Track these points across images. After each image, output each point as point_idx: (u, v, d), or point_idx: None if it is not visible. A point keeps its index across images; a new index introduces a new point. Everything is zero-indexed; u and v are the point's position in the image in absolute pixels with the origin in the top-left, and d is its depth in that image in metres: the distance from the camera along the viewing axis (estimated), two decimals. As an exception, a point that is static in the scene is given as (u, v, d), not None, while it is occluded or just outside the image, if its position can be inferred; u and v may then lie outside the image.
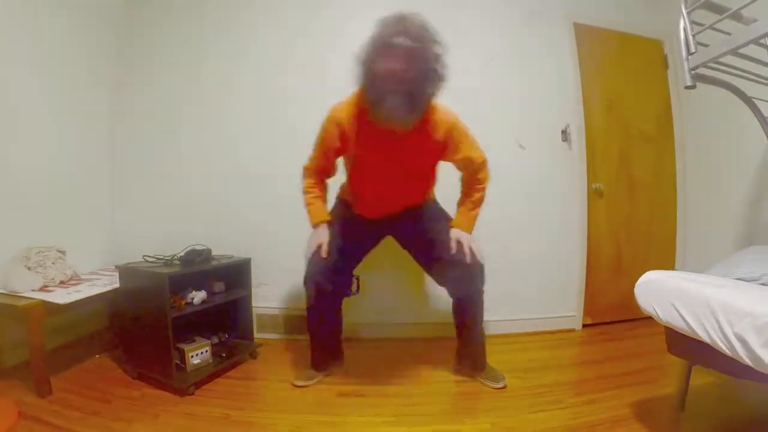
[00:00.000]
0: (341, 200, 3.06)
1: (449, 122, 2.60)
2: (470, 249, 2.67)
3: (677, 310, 2.01)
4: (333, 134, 2.62)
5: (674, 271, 2.32)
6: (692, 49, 2.14)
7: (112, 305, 3.46)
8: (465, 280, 2.72)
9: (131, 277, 3.02)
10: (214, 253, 3.35)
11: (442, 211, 2.98)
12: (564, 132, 4.04)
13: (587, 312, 4.12)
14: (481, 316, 2.89)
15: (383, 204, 2.87)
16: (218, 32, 4.05)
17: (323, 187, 2.91)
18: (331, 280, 2.78)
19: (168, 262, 3.10)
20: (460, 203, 2.85)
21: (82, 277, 3.36)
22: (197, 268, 3.10)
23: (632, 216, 4.27)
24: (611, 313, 4.21)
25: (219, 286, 3.34)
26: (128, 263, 3.14)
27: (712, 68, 2.22)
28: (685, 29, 2.16)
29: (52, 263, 3.14)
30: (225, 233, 3.82)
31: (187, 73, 4.07)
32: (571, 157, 4.06)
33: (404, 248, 3.05)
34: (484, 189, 2.81)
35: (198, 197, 4.00)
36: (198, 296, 3.06)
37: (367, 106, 2.40)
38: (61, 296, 2.80)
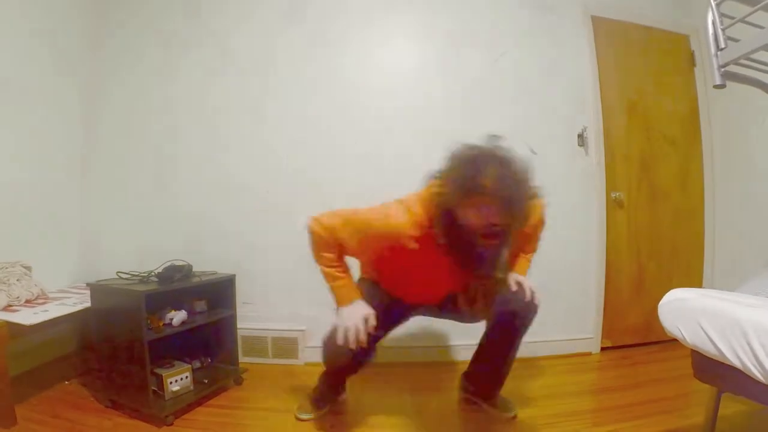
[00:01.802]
0: (366, 280, 2.82)
1: (534, 225, 2.59)
2: (531, 289, 2.64)
3: (705, 332, 1.97)
4: (384, 245, 2.41)
5: (702, 289, 2.30)
6: (722, 45, 2.13)
7: (83, 326, 3.45)
8: (522, 313, 2.66)
9: (104, 296, 3.01)
10: (195, 269, 3.35)
11: None
12: (580, 136, 4.06)
13: (606, 334, 4.12)
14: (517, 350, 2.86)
15: (434, 290, 2.73)
16: (200, 29, 4.09)
17: (346, 265, 2.64)
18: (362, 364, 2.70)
19: (144, 279, 3.09)
20: (514, 248, 2.71)
21: (50, 295, 3.35)
22: (177, 285, 3.09)
23: (655, 228, 4.27)
24: (632, 335, 4.20)
25: (200, 306, 3.34)
26: (100, 280, 3.13)
27: (744, 65, 2.21)
28: (713, 23, 2.15)
29: (17, 280, 3.13)
30: (207, 247, 3.83)
31: (167, 72, 4.10)
32: (588, 164, 4.08)
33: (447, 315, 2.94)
34: (540, 233, 2.85)
35: (178, 208, 4.01)
36: (177, 317, 3.06)
37: (440, 239, 2.25)
38: (26, 316, 2.79)
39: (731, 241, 4.15)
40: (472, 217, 2.05)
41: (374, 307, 2.51)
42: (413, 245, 2.31)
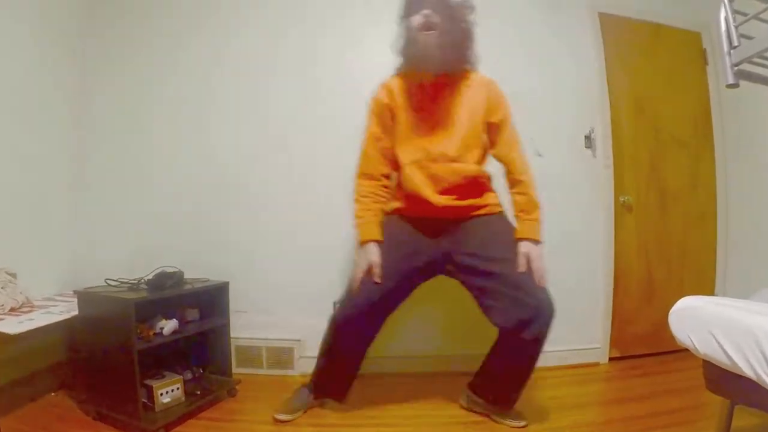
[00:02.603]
0: (390, 215, 3.03)
1: (487, 80, 3.00)
2: (540, 271, 2.71)
3: (717, 341, 1.95)
4: (381, 110, 2.97)
5: (714, 297, 2.31)
6: (735, 42, 2.12)
7: (70, 336, 3.42)
8: (534, 320, 2.64)
9: (92, 304, 3.01)
10: (187, 275, 3.35)
11: (512, 228, 2.93)
12: (587, 137, 4.07)
13: (614, 343, 4.13)
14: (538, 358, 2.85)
15: (436, 181, 2.83)
16: (192, 28, 4.10)
17: (380, 193, 2.98)
18: (370, 324, 2.90)
19: (134, 287, 3.09)
20: (517, 209, 2.91)
21: (36, 303, 3.35)
22: (167, 293, 3.09)
23: (665, 233, 4.28)
24: (641, 344, 4.20)
25: (192, 314, 3.35)
26: (88, 288, 3.13)
27: (758, 64, 2.20)
28: (726, 19, 2.15)
29: (1, 288, 3.13)
30: (199, 253, 3.82)
31: (159, 73, 4.10)
32: (595, 166, 4.09)
33: (462, 281, 2.98)
34: (531, 187, 2.91)
35: (169, 212, 4.00)
36: (168, 325, 3.06)
37: (407, 65, 2.89)
38: (11, 325, 2.78)
39: (745, 247, 4.16)
40: (414, 19, 2.75)
41: (398, 237, 2.88)
42: (397, 94, 2.95)
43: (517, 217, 2.88)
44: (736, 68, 2.15)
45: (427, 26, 2.70)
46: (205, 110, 4.05)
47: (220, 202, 3.96)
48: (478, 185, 2.91)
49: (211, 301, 3.46)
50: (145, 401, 2.90)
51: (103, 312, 2.95)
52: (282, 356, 3.81)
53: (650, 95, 4.26)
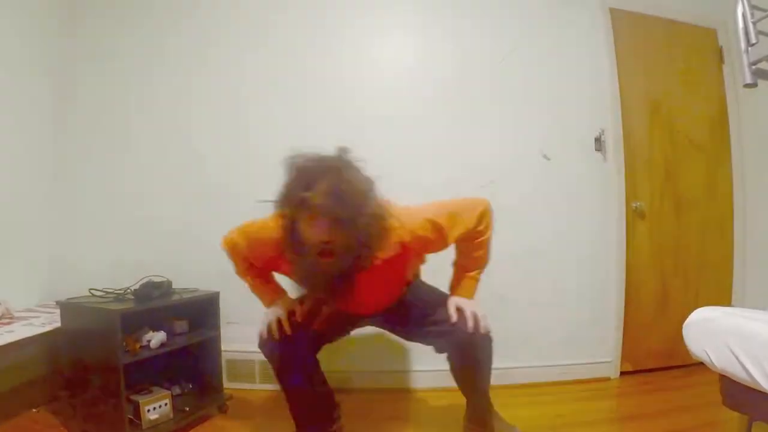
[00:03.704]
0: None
1: (409, 230, 2.44)
2: (474, 315, 2.56)
3: (735, 355, 1.95)
4: (270, 254, 2.56)
5: (731, 308, 2.29)
6: (753, 40, 2.12)
7: (53, 349, 3.44)
8: (468, 348, 2.61)
9: (75, 315, 3.03)
10: (175, 285, 3.36)
11: (431, 288, 2.91)
12: (598, 140, 4.07)
13: (626, 357, 4.12)
14: (487, 382, 2.80)
15: (354, 307, 2.74)
16: (178, 28, 4.13)
17: (269, 273, 2.90)
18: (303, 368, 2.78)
19: (119, 297, 3.10)
20: (456, 264, 2.77)
21: (16, 314, 3.37)
22: (155, 303, 3.10)
23: (680, 241, 4.28)
24: (654, 358, 4.20)
25: (181, 326, 3.35)
26: (71, 298, 3.14)
27: (778, 62, 2.21)
28: (744, 16, 2.15)
29: (-21, 298, 3.15)
30: (188, 262, 3.81)
31: (144, 75, 4.13)
32: (606, 171, 4.09)
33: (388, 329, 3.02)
34: (485, 243, 2.68)
35: (156, 219, 4.02)
36: (156, 338, 3.06)
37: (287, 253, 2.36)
38: (-10, 338, 2.80)
39: (764, 256, 4.16)
40: (304, 233, 2.15)
41: (313, 312, 2.71)
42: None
43: (457, 269, 2.79)
44: (754, 67, 2.15)
45: (325, 253, 2.19)
46: (193, 113, 4.07)
47: (209, 208, 3.96)
48: None
49: (201, 312, 3.46)
50: (132, 418, 2.91)
51: (87, 324, 2.96)
52: (276, 370, 3.80)
53: (664, 95, 4.26)
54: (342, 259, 2.21)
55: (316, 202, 1.99)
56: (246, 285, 2.86)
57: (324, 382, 2.91)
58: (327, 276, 2.28)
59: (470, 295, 2.68)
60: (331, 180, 2.04)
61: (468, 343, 2.57)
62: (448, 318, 2.59)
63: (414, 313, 2.76)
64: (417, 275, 2.96)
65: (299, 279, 2.44)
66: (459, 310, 2.59)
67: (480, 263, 2.72)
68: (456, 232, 2.51)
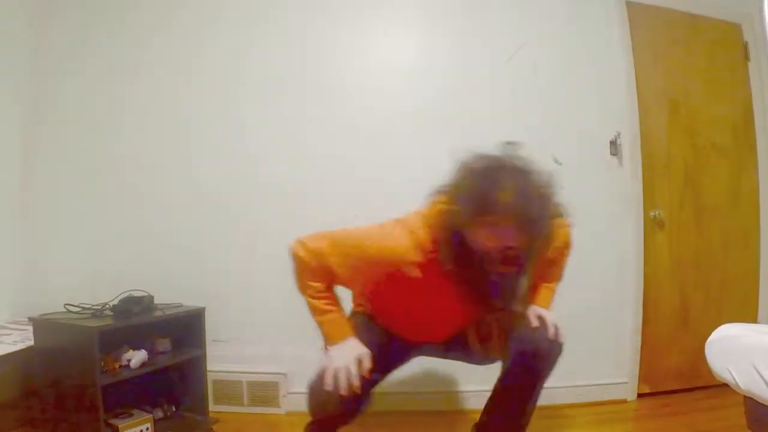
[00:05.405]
0: (360, 314, 2.84)
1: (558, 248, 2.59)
2: (555, 325, 2.63)
3: (761, 375, 1.92)
4: (380, 272, 2.39)
5: (757, 325, 2.30)
6: (780, 35, 2.14)
7: (26, 369, 3.42)
8: (540, 359, 2.62)
9: (50, 333, 3.04)
10: (157, 300, 3.36)
11: None
12: (613, 143, 4.08)
13: (644, 378, 4.13)
14: (532, 413, 2.82)
15: (440, 327, 2.72)
16: (162, 21, 4.14)
17: (336, 297, 2.63)
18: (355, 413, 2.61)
19: (97, 313, 3.11)
20: (537, 279, 2.75)
21: (-14, 331, 3.37)
22: (135, 320, 3.11)
23: (702, 252, 4.28)
24: (674, 379, 4.20)
25: (164, 344, 3.36)
26: (45, 314, 3.15)
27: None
28: (771, 9, 2.16)
29: (-54, 314, 3.16)
30: (171, 275, 3.82)
31: (123, 72, 4.14)
32: (622, 176, 4.10)
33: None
34: (566, 258, 2.85)
35: (136, 229, 4.02)
36: (136, 357, 3.07)
37: (447, 265, 2.21)
38: (-42, 357, 2.81)
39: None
40: (485, 239, 2.01)
41: (369, 346, 2.46)
42: (415, 273, 2.28)
43: (537, 283, 2.78)
44: (781, 63, 2.16)
45: (507, 261, 2.09)
46: (175, 114, 4.09)
47: (195, 219, 3.98)
48: None
49: (185, 330, 3.47)
50: (110, 443, 2.91)
51: (62, 342, 2.97)
52: (266, 392, 3.82)
53: (685, 95, 4.26)
54: (524, 267, 2.20)
55: (507, 203, 1.90)
56: (308, 305, 2.52)
57: None
58: (500, 286, 2.27)
59: (548, 305, 2.77)
60: (519, 178, 1.98)
61: (546, 351, 2.60)
62: (528, 324, 2.61)
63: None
64: None
65: (463, 281, 2.26)
66: (540, 318, 2.63)
67: (558, 276, 2.86)
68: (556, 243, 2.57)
